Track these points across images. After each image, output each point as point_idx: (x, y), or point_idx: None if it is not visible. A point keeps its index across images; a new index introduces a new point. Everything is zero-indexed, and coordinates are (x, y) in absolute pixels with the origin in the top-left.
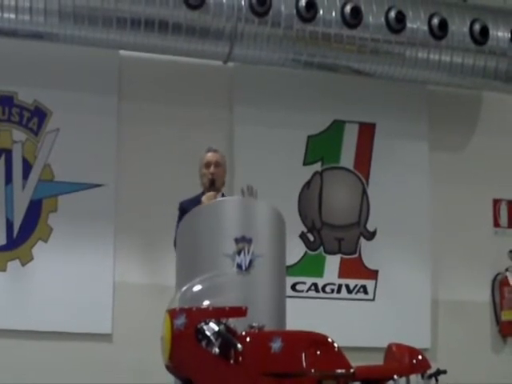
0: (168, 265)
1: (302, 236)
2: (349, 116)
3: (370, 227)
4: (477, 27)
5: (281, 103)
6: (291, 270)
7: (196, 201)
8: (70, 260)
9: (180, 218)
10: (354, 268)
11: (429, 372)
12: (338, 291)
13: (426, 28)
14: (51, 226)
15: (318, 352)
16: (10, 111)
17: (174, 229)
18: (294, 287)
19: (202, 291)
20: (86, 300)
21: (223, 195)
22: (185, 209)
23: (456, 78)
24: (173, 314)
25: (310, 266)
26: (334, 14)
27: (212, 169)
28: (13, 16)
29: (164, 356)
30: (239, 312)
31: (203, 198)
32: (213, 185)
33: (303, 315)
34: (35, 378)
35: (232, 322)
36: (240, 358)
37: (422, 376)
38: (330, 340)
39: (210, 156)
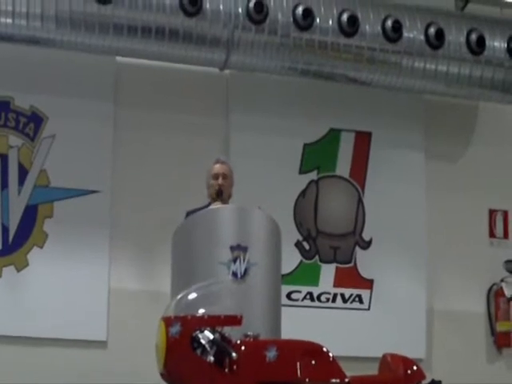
0: (163, 272)
1: (298, 244)
2: (345, 125)
3: (366, 236)
4: (473, 37)
5: (277, 111)
6: (286, 278)
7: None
8: (65, 266)
9: None
10: (350, 277)
11: (424, 382)
12: (333, 300)
13: (422, 37)
14: (47, 231)
15: (313, 361)
16: (7, 116)
17: (170, 237)
18: (289, 296)
19: (197, 299)
20: (81, 306)
21: None
22: None
23: (452, 88)
24: (168, 321)
25: (306, 274)
26: (330, 22)
27: (220, 180)
28: (9, 21)
29: (159, 364)
30: (234, 320)
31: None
32: (220, 195)
33: (298, 324)
34: None
35: (227, 330)
36: (235, 367)
37: None
38: (324, 349)
39: (218, 168)
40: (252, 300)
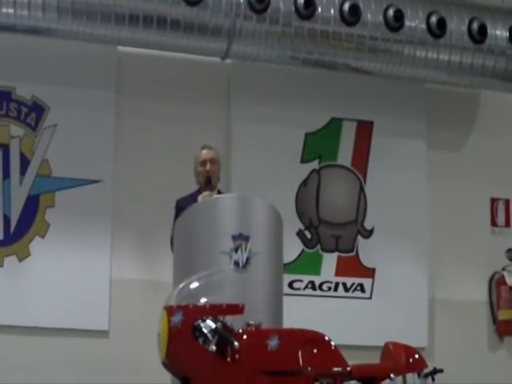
0: (165, 261)
1: (300, 233)
2: (347, 114)
3: (368, 225)
4: (475, 26)
5: (279, 100)
6: (288, 267)
7: (192, 198)
8: (66, 256)
9: (176, 215)
10: (351, 266)
11: (425, 371)
12: (335, 289)
13: (424, 26)
14: (48, 221)
15: (315, 350)
16: (8, 106)
17: (170, 227)
18: (291, 285)
19: (199, 288)
20: (83, 296)
21: (219, 192)
22: (181, 207)
23: (454, 77)
24: (170, 310)
25: (307, 263)
26: (332, 11)
27: (208, 166)
28: (11, 11)
29: (161, 353)
30: (236, 309)
31: (199, 198)
32: (209, 183)
33: (300, 313)
34: (31, 374)
35: (229, 319)
36: (237, 356)
37: (419, 375)
38: (326, 338)
39: (205, 153)
40: (254, 289)
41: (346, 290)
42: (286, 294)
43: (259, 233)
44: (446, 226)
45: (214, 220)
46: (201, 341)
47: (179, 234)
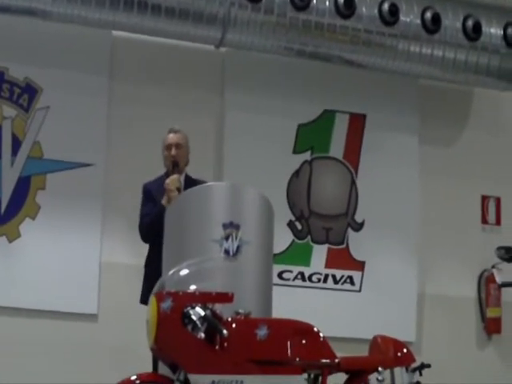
0: None
1: (290, 224)
2: (339, 106)
3: (358, 218)
4: (470, 23)
5: (272, 91)
6: (278, 258)
7: (159, 182)
8: (57, 238)
9: (143, 200)
10: (341, 258)
11: (413, 365)
12: (325, 281)
13: (418, 21)
14: (39, 203)
15: (304, 341)
16: (1, 87)
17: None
18: (280, 275)
19: (188, 275)
20: (72, 279)
21: (186, 175)
22: (148, 190)
23: (448, 73)
24: (159, 297)
25: (297, 254)
26: (327, 3)
27: (173, 151)
28: None
29: (149, 339)
30: (226, 298)
31: (167, 181)
32: (176, 166)
33: (289, 303)
34: (19, 356)
35: (218, 307)
36: (225, 344)
37: (407, 369)
38: (315, 329)
39: (170, 138)
40: (243, 278)
41: (336, 282)
42: (276, 285)
43: (250, 222)
44: (437, 222)
45: (205, 208)
46: (190, 328)
47: (170, 220)
